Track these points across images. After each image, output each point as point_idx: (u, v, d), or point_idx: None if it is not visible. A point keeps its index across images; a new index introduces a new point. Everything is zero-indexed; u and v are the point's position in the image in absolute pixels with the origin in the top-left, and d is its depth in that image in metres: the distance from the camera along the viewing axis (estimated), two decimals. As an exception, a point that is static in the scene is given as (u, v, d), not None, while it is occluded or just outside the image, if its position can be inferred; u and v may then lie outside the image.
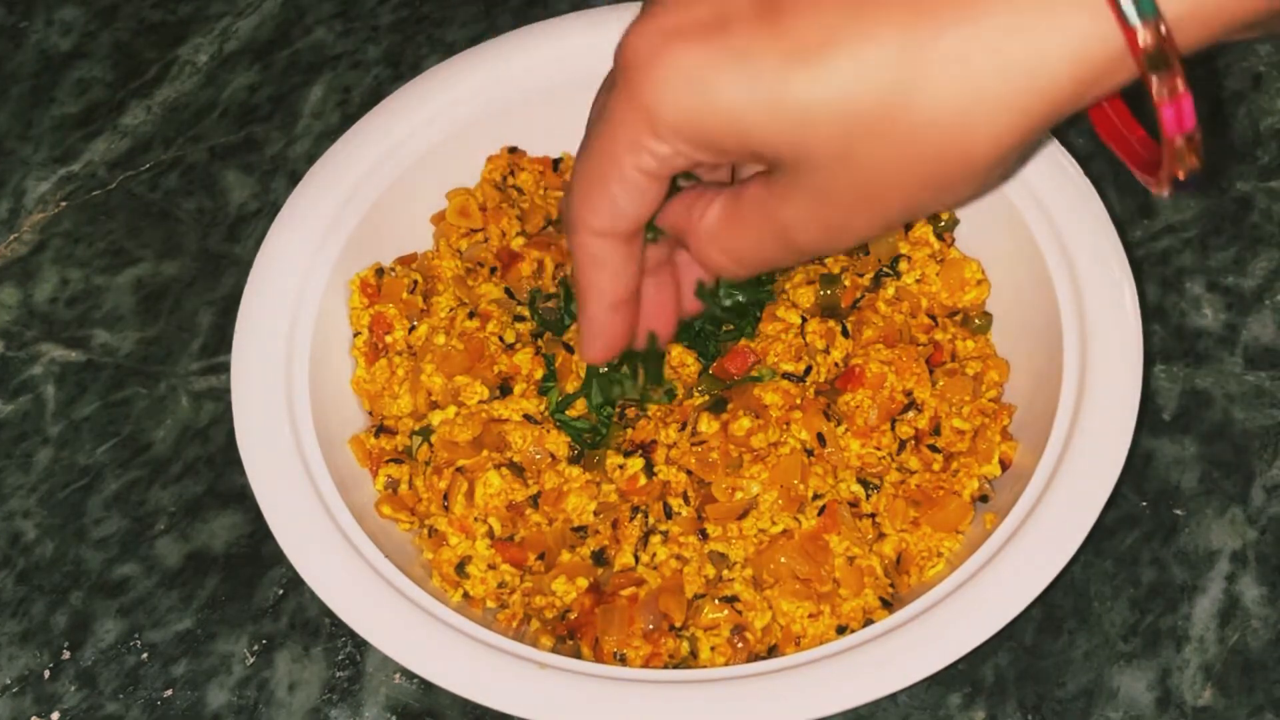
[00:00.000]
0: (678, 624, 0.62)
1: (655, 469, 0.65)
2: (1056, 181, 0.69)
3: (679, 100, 0.45)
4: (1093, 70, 0.42)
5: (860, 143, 0.43)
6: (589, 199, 0.50)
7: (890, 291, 0.70)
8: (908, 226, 0.72)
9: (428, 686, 0.66)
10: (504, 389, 0.68)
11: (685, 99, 0.44)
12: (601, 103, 0.50)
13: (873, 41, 0.42)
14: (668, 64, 0.44)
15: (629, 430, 0.67)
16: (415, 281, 0.71)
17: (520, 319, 0.70)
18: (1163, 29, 0.40)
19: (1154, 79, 0.41)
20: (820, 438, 0.65)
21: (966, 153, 0.43)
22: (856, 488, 0.65)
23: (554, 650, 0.62)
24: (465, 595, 0.65)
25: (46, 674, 0.68)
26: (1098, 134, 0.50)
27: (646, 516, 0.65)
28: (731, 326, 0.69)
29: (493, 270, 0.72)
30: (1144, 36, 0.40)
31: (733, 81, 0.43)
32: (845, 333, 0.68)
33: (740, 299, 0.67)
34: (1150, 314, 0.75)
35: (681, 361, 0.68)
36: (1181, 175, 0.45)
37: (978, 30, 0.41)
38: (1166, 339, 0.74)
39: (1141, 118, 0.49)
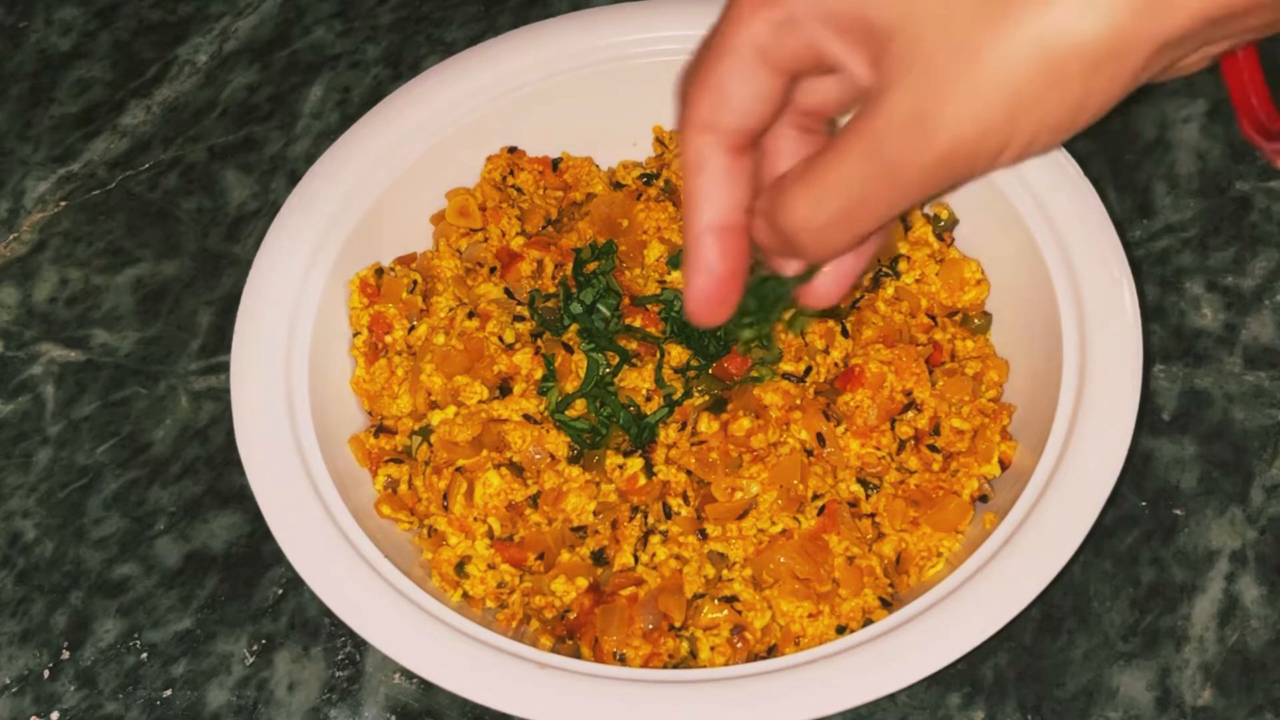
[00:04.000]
0: (677, 624, 0.62)
1: (655, 469, 0.65)
2: (1056, 181, 0.69)
3: None
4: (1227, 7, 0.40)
5: (968, 11, 0.41)
6: (697, 85, 0.47)
7: (890, 291, 0.70)
8: (908, 226, 0.72)
9: (427, 686, 0.66)
10: (504, 389, 0.68)
11: None
12: None
13: None
14: None
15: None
16: (415, 281, 0.71)
17: (520, 319, 0.70)
18: None
19: None
20: (820, 438, 0.65)
21: (1078, 45, 0.40)
22: (856, 488, 0.65)
23: (554, 650, 0.62)
24: (465, 595, 0.65)
25: (46, 674, 0.68)
26: (1227, 85, 0.49)
27: (646, 516, 0.65)
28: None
29: (492, 270, 0.72)
30: None
31: None
32: (845, 333, 0.68)
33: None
34: (1150, 314, 0.75)
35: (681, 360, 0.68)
36: None
37: None
38: (1166, 339, 0.74)
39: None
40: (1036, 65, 0.40)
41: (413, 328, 0.71)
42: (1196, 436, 0.71)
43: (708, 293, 0.50)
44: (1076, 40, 0.40)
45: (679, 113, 0.48)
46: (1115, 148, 0.81)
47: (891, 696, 0.65)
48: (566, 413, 0.67)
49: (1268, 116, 0.47)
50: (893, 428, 0.66)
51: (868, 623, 0.62)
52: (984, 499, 0.66)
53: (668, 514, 0.64)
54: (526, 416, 0.67)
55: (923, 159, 0.43)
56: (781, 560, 0.63)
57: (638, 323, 0.69)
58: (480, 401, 0.68)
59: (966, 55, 0.41)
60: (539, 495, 0.66)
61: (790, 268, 0.52)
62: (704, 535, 0.64)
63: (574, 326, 0.69)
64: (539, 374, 0.68)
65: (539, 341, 0.69)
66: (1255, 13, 0.40)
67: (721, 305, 0.50)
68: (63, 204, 0.84)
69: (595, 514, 0.65)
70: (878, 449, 0.66)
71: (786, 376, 0.67)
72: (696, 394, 0.68)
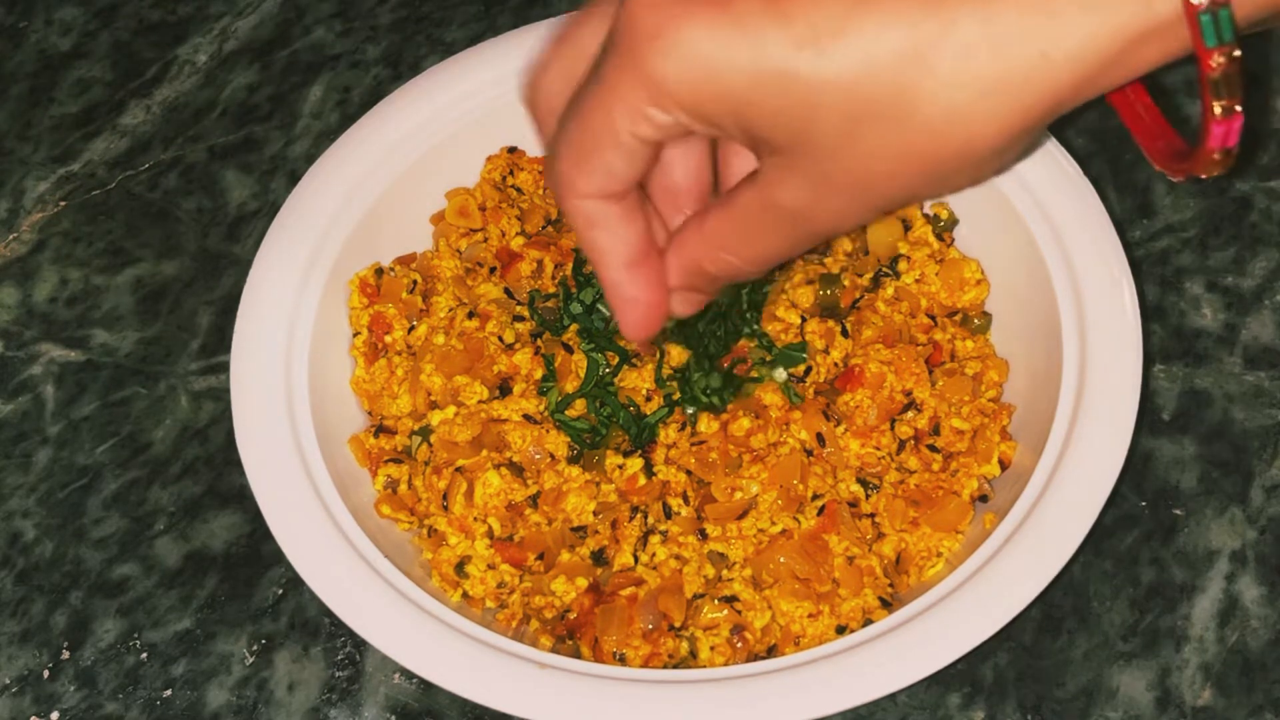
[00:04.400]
0: (677, 624, 0.62)
1: (655, 469, 0.65)
2: (1056, 181, 0.69)
3: (685, 73, 0.45)
4: (1094, 70, 0.43)
5: (862, 126, 0.44)
6: (580, 163, 0.49)
7: (890, 291, 0.70)
8: (908, 226, 0.72)
9: (427, 686, 0.66)
10: (503, 389, 0.68)
11: (691, 72, 0.45)
12: (587, 57, 0.50)
13: (881, 29, 0.42)
14: (676, 36, 0.45)
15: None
16: (415, 281, 0.71)
17: (520, 319, 0.70)
18: (1236, 54, 0.42)
19: (1215, 100, 0.43)
20: (820, 438, 0.65)
21: (967, 143, 0.44)
22: (856, 488, 0.65)
23: (554, 650, 0.62)
24: (465, 595, 0.65)
25: (46, 674, 0.68)
26: (1115, 109, 0.51)
27: (646, 516, 0.65)
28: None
29: (492, 270, 0.72)
30: (1217, 59, 0.42)
31: (740, 59, 0.44)
32: (845, 333, 0.68)
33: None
34: (1150, 314, 0.75)
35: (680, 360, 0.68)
36: (1203, 176, 0.46)
37: (984, 25, 0.42)
38: (1166, 339, 0.74)
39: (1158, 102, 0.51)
40: (926, 177, 0.45)
41: (413, 328, 0.71)
42: (1196, 436, 0.71)
43: (641, 320, 0.54)
44: (966, 151, 0.44)
45: (556, 182, 0.51)
46: (1115, 148, 0.81)
47: (891, 696, 0.65)
48: (566, 413, 0.67)
49: (1166, 139, 0.50)
50: (893, 428, 0.66)
51: (868, 623, 0.62)
52: (984, 499, 0.66)
53: (668, 514, 0.64)
54: (526, 416, 0.67)
55: (828, 232, 0.49)
56: (781, 560, 0.63)
57: (638, 323, 0.69)
58: (480, 401, 0.68)
59: (865, 183, 0.46)
60: (539, 495, 0.66)
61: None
62: (704, 535, 0.64)
63: (574, 326, 0.69)
64: (539, 374, 0.68)
65: (539, 341, 0.69)
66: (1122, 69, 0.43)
67: (656, 323, 0.55)
68: (63, 204, 0.84)
69: (595, 514, 0.65)
70: (878, 449, 0.66)
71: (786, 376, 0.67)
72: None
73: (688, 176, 0.54)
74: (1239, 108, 0.43)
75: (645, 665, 0.61)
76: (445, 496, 0.65)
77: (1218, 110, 0.43)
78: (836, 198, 0.47)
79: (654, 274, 0.53)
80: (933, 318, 0.70)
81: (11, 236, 0.83)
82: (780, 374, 0.67)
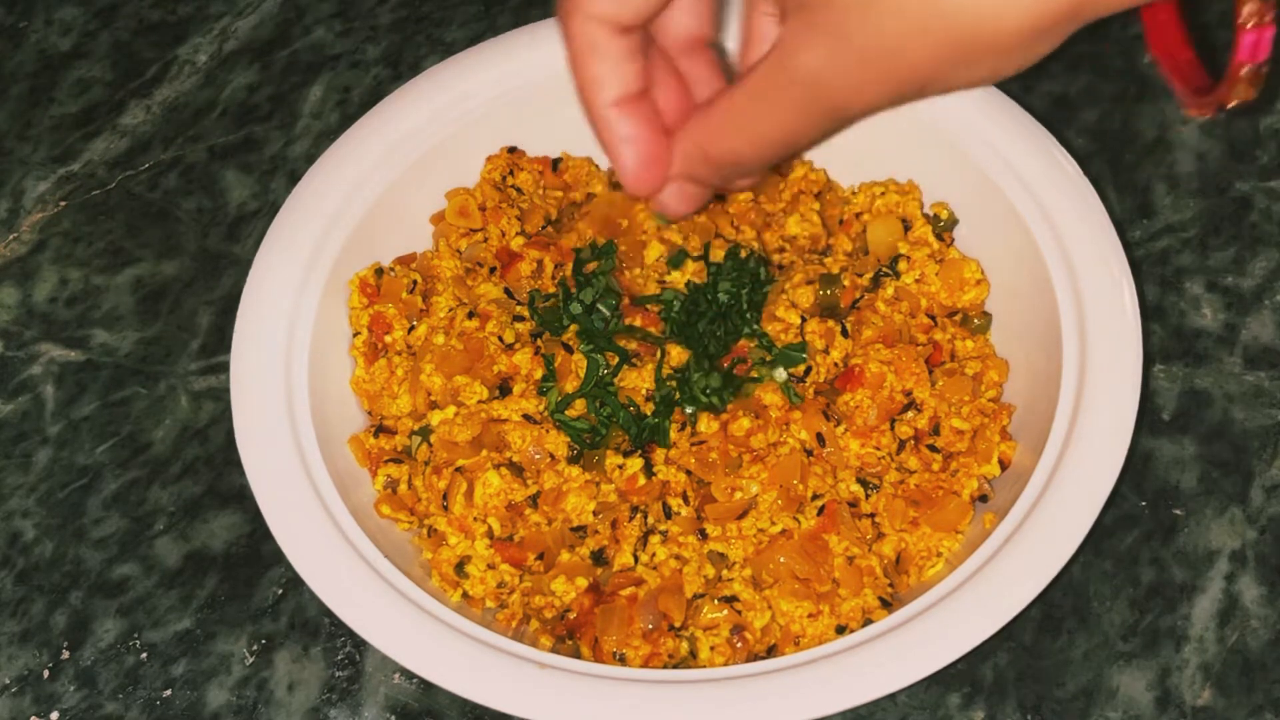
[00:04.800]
0: (677, 624, 0.62)
1: (655, 469, 0.65)
2: (1056, 181, 0.69)
3: None
4: None
5: None
6: None
7: (890, 291, 0.70)
8: (908, 226, 0.72)
9: (427, 686, 0.66)
10: (503, 389, 0.68)
11: None
12: None
13: None
14: None
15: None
16: (415, 281, 0.71)
17: (519, 319, 0.70)
18: None
19: (1245, 3, 0.42)
20: (820, 438, 0.65)
21: (996, 23, 0.42)
22: (856, 488, 0.65)
23: (554, 650, 0.62)
24: (465, 595, 0.65)
25: (46, 674, 0.68)
26: (1148, 44, 0.50)
27: (646, 516, 0.65)
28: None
29: (492, 270, 0.72)
30: None
31: None
32: (845, 333, 0.68)
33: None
34: (1150, 314, 0.75)
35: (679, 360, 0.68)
36: (1232, 103, 0.45)
37: None
38: (1166, 339, 0.74)
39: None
40: (948, 51, 0.43)
41: (412, 328, 0.71)
42: (1196, 436, 0.71)
43: (640, 162, 0.51)
44: (992, 31, 0.42)
45: (563, 3, 0.48)
46: (1115, 148, 0.81)
47: (891, 696, 0.65)
48: (566, 413, 0.67)
49: (1189, 66, 0.49)
50: (893, 428, 0.66)
51: (868, 623, 0.62)
52: (984, 499, 0.66)
53: (667, 514, 0.64)
54: (526, 416, 0.67)
55: (843, 106, 0.46)
56: (781, 560, 0.63)
57: (638, 323, 0.69)
58: (480, 401, 0.68)
59: (885, 48, 0.43)
60: (539, 495, 0.66)
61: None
62: (704, 535, 0.64)
63: (574, 326, 0.69)
64: (539, 374, 0.68)
65: (539, 341, 0.69)
66: None
67: (657, 166, 0.51)
68: (63, 204, 0.84)
69: (595, 514, 0.65)
70: (878, 449, 0.66)
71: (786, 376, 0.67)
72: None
73: (689, 27, 0.52)
74: (1271, 16, 0.42)
75: (645, 665, 0.61)
76: (445, 496, 0.65)
77: (1248, 17, 0.42)
78: (855, 64, 0.44)
79: (647, 116, 0.51)
80: (933, 318, 0.70)
81: (11, 236, 0.83)
82: (780, 374, 0.67)
